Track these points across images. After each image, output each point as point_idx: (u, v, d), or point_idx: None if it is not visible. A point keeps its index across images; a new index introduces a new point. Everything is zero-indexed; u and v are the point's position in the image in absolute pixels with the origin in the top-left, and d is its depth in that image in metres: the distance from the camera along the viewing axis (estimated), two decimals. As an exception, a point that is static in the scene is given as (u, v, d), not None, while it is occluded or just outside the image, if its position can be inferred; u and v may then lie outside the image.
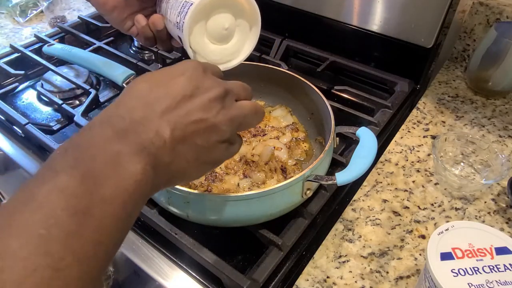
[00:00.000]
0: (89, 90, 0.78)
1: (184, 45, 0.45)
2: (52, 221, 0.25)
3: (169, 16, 0.46)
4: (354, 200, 0.59)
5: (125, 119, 0.31)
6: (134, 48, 0.98)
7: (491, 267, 0.39)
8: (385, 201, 0.59)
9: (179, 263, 0.52)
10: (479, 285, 0.38)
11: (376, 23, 0.81)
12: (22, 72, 0.84)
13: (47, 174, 0.27)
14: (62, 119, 0.76)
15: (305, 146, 0.66)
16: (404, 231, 0.55)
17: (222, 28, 0.45)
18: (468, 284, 0.38)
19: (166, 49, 0.53)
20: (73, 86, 0.81)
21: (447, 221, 0.56)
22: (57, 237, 0.24)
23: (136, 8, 0.51)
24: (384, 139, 0.71)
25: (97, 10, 0.52)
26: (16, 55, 0.89)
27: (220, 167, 0.60)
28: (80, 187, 0.27)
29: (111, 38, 0.95)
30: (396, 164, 0.65)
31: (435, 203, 0.59)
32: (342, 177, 0.49)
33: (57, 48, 0.84)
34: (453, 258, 0.40)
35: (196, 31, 0.44)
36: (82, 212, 0.26)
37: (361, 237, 0.54)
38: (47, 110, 0.79)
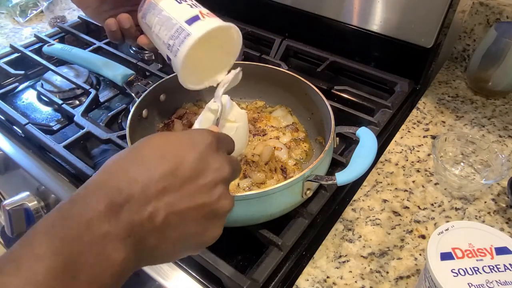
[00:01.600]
0: (89, 90, 0.78)
1: (175, 70, 0.47)
2: None
3: (157, 32, 0.47)
4: (354, 200, 0.59)
5: (122, 192, 0.29)
6: (134, 48, 0.98)
7: (491, 267, 0.39)
8: (385, 201, 0.59)
9: (179, 263, 0.52)
10: (479, 285, 0.38)
11: (376, 23, 0.81)
12: (22, 72, 0.84)
13: (26, 258, 0.25)
14: (62, 119, 0.76)
15: (305, 146, 0.66)
16: (404, 231, 0.55)
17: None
18: (468, 284, 0.38)
19: (132, 45, 0.54)
20: (73, 86, 0.81)
21: (447, 221, 0.56)
22: None
23: (111, 6, 0.51)
24: (384, 139, 0.71)
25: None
26: (16, 55, 0.90)
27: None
28: (57, 281, 0.25)
29: (111, 38, 0.95)
30: (396, 164, 0.65)
31: (435, 203, 0.59)
32: (342, 177, 0.49)
33: (57, 48, 0.84)
34: (453, 258, 0.40)
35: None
36: None
37: (361, 237, 0.54)
38: (47, 110, 0.79)
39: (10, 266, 0.25)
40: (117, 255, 0.28)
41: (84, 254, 0.26)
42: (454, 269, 0.39)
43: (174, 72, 0.53)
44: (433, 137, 0.70)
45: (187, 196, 0.31)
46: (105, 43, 0.91)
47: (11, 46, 0.90)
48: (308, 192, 0.52)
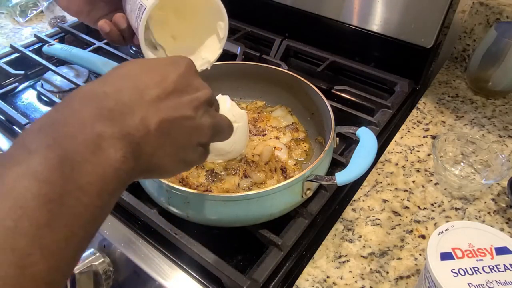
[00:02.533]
0: (89, 90, 0.78)
1: (142, 48, 0.46)
2: (21, 211, 0.22)
3: (132, 20, 0.46)
4: (354, 200, 0.59)
5: (111, 98, 0.29)
6: (134, 48, 0.98)
7: (491, 267, 0.39)
8: (385, 201, 0.59)
9: (179, 263, 0.52)
10: (479, 285, 0.38)
11: (376, 23, 0.81)
12: (22, 72, 0.84)
13: (20, 154, 0.25)
14: (62, 119, 0.76)
15: (305, 146, 0.66)
16: (404, 231, 0.55)
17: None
18: (468, 284, 0.38)
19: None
20: (73, 86, 0.81)
21: (447, 221, 0.56)
22: (25, 230, 0.22)
23: (105, 11, 0.49)
24: (384, 139, 0.71)
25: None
26: (16, 55, 0.89)
27: (220, 168, 0.60)
28: (56, 172, 0.24)
29: (111, 38, 0.95)
30: (396, 164, 0.65)
31: (435, 203, 0.59)
32: (342, 177, 0.49)
33: (57, 48, 0.84)
34: (453, 258, 0.40)
35: (159, 30, 0.44)
36: (55, 201, 0.24)
37: (361, 237, 0.54)
38: (47, 110, 0.79)
39: (5, 160, 0.25)
40: (115, 152, 0.27)
41: (79, 152, 0.26)
42: (454, 269, 0.39)
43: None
44: (433, 137, 0.70)
45: (174, 106, 0.32)
46: (105, 43, 0.91)
47: (11, 46, 0.90)
48: (308, 192, 0.52)
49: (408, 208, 0.58)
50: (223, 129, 0.38)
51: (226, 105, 0.58)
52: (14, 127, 0.73)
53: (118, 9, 0.49)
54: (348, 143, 0.68)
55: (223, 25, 0.49)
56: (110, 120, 0.28)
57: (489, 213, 0.58)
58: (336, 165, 0.61)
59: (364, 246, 0.53)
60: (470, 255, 0.40)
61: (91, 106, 0.28)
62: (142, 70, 0.32)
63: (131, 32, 0.49)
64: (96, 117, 0.27)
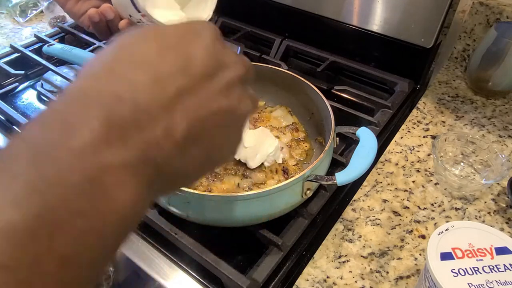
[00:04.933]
0: (89, 90, 0.78)
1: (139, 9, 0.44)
2: None
3: (121, 9, 0.45)
4: (354, 200, 0.59)
5: (123, 100, 0.20)
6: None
7: (491, 267, 0.39)
8: (385, 201, 0.59)
9: (179, 263, 0.52)
10: (479, 285, 0.38)
11: (376, 23, 0.81)
12: (22, 72, 0.84)
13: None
14: (62, 119, 0.76)
15: (305, 146, 0.66)
16: (404, 231, 0.55)
17: None
18: (468, 284, 0.38)
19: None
20: (73, 86, 0.81)
21: (447, 221, 0.56)
22: None
23: (91, 4, 0.48)
24: (384, 139, 0.71)
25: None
26: (16, 55, 0.89)
27: (220, 168, 0.60)
28: (33, 234, 0.17)
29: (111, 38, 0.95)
30: (396, 164, 0.65)
31: (435, 203, 0.59)
32: (342, 177, 0.49)
33: (57, 48, 0.84)
34: (453, 258, 0.40)
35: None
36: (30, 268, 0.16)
37: (361, 237, 0.54)
38: (47, 110, 0.79)
39: None
40: (124, 194, 0.19)
41: (70, 201, 0.18)
42: (454, 269, 0.39)
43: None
44: (433, 137, 0.70)
45: (205, 99, 0.24)
46: (105, 43, 0.91)
47: (11, 46, 0.90)
48: (308, 192, 0.52)
49: (408, 208, 0.58)
50: (255, 105, 0.30)
51: None
52: (14, 127, 0.73)
53: (104, 2, 0.48)
54: (348, 143, 0.68)
55: None
56: (122, 140, 0.20)
57: (489, 213, 0.58)
58: (336, 165, 0.61)
59: (364, 246, 0.53)
60: (470, 255, 0.40)
61: (97, 116, 0.19)
62: (160, 51, 0.23)
63: (117, 25, 0.47)
64: (103, 137, 0.19)
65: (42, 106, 0.80)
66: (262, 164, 0.59)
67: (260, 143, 0.58)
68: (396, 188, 0.61)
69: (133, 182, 0.20)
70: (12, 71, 0.83)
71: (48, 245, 0.17)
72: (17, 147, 0.19)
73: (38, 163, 0.18)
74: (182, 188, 0.47)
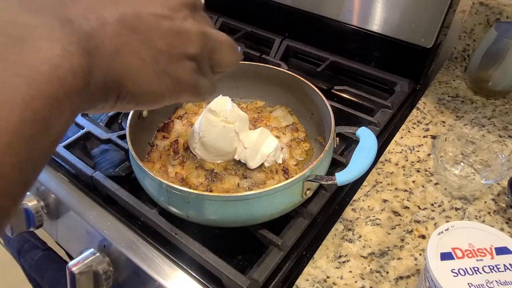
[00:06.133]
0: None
1: None
2: None
3: None
4: (354, 200, 0.59)
5: None
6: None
7: (491, 267, 0.39)
8: (385, 201, 0.59)
9: (179, 263, 0.52)
10: (479, 285, 0.38)
11: (376, 23, 0.81)
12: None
13: None
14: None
15: (305, 146, 0.66)
16: (404, 231, 0.55)
17: None
18: (468, 284, 0.38)
19: None
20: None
21: (447, 221, 0.56)
22: None
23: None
24: (384, 139, 0.71)
25: None
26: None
27: (220, 168, 0.60)
28: None
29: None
30: (396, 164, 0.65)
31: (435, 203, 0.59)
32: (342, 177, 0.49)
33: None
34: (453, 258, 0.40)
35: None
36: None
37: (361, 237, 0.54)
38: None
39: None
40: (49, 45, 0.19)
41: None
42: (454, 269, 0.39)
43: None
44: (433, 137, 0.70)
45: (142, 3, 0.25)
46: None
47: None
48: (308, 192, 0.52)
49: (408, 208, 0.58)
50: (221, 45, 0.31)
51: (227, 106, 0.58)
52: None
53: None
54: (348, 143, 0.68)
55: None
56: (40, 10, 0.20)
57: (489, 213, 0.58)
58: (336, 165, 0.61)
59: (364, 246, 0.53)
60: (470, 255, 0.40)
61: None
62: None
63: None
64: (18, 5, 0.20)
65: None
66: (262, 164, 0.59)
67: (260, 143, 0.58)
68: (396, 188, 0.61)
69: (57, 38, 0.20)
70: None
71: None
72: None
73: None
74: (182, 188, 0.47)
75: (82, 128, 0.69)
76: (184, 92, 0.29)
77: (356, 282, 0.49)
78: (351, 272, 0.50)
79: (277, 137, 0.66)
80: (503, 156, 0.60)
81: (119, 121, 0.75)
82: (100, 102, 0.24)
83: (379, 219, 0.57)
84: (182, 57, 0.27)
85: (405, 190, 0.61)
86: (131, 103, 0.27)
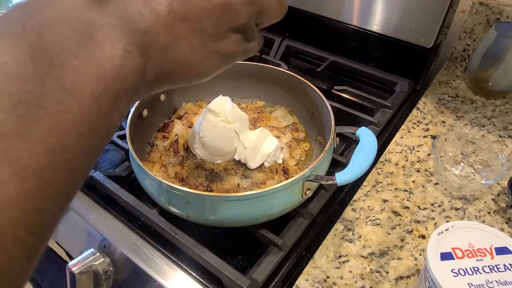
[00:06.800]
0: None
1: None
2: None
3: None
4: (354, 200, 0.59)
5: None
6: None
7: (491, 267, 0.39)
8: (385, 201, 0.59)
9: (179, 263, 0.52)
10: (479, 285, 0.38)
11: (376, 23, 0.81)
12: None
13: None
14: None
15: (305, 146, 0.66)
16: (404, 231, 0.55)
17: None
18: (468, 284, 0.38)
19: None
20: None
21: (447, 221, 0.56)
22: None
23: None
24: (384, 139, 0.71)
25: None
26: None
27: (220, 168, 0.60)
28: (27, 66, 0.18)
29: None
30: (396, 164, 0.65)
31: (435, 203, 0.59)
32: (342, 177, 0.49)
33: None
34: (453, 258, 0.40)
35: None
36: (27, 102, 0.17)
37: (361, 237, 0.54)
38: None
39: None
40: (113, 44, 0.21)
41: (60, 43, 0.19)
42: (454, 269, 0.39)
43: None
44: (433, 137, 0.70)
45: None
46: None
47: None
48: (308, 192, 0.52)
49: (408, 208, 0.58)
50: (268, 4, 0.29)
51: (227, 106, 0.58)
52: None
53: None
54: (348, 143, 0.68)
55: None
56: (101, 6, 0.22)
57: (489, 213, 0.58)
58: (336, 165, 0.61)
59: (364, 246, 0.53)
60: (470, 255, 0.40)
61: None
62: None
63: None
64: (84, 2, 0.21)
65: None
66: (262, 164, 0.59)
67: (260, 144, 0.58)
68: (396, 188, 0.61)
69: (119, 39, 0.21)
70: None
71: (48, 71, 0.18)
72: (8, 11, 0.20)
73: (26, 16, 0.20)
74: (182, 188, 0.47)
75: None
76: (232, 61, 0.30)
77: (356, 282, 0.49)
78: (351, 272, 0.50)
79: (277, 137, 0.66)
80: (503, 156, 0.60)
81: (119, 121, 0.75)
82: (149, 91, 0.26)
83: (379, 219, 0.57)
84: (229, 32, 0.28)
85: (405, 190, 0.61)
86: (178, 84, 0.28)
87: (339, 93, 0.79)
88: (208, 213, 0.49)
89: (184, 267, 0.51)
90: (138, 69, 0.22)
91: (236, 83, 0.73)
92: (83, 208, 0.59)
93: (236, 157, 0.59)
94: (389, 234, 0.55)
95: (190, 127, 0.66)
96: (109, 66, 0.20)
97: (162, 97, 0.68)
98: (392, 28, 0.80)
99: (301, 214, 0.54)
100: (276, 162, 0.60)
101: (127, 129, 0.55)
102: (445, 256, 0.40)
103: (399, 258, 0.52)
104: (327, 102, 0.60)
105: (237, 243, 0.55)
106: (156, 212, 0.54)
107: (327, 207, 0.58)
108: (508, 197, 0.58)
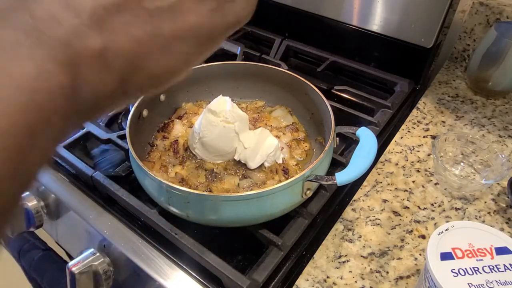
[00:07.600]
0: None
1: None
2: None
3: None
4: (354, 200, 0.59)
5: None
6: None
7: (491, 267, 0.39)
8: (385, 201, 0.59)
9: (179, 263, 0.52)
10: (479, 285, 0.38)
11: (376, 23, 0.81)
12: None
13: None
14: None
15: (305, 146, 0.66)
16: (404, 231, 0.55)
17: None
18: (468, 284, 0.38)
19: None
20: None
21: (447, 221, 0.56)
22: None
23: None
24: (384, 139, 0.71)
25: None
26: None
27: (220, 168, 0.60)
28: None
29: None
30: (396, 164, 0.65)
31: (435, 203, 0.59)
32: (342, 177, 0.49)
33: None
34: (453, 258, 0.40)
35: None
36: None
37: (361, 237, 0.54)
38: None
39: None
40: (21, 70, 0.16)
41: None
42: (454, 269, 0.39)
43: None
44: (433, 137, 0.70)
45: None
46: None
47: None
48: (308, 192, 0.52)
49: (408, 208, 0.58)
50: None
51: (227, 106, 0.58)
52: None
53: None
54: (348, 143, 0.68)
55: None
56: (5, 19, 0.17)
57: (489, 213, 0.58)
58: (336, 165, 0.61)
59: (364, 246, 0.53)
60: (470, 255, 0.40)
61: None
62: None
63: None
64: None
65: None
66: (262, 164, 0.59)
67: (260, 144, 0.58)
68: (396, 188, 0.61)
69: (30, 58, 0.17)
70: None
71: None
72: None
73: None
74: (182, 188, 0.47)
75: (82, 128, 0.69)
76: (213, 42, 0.22)
77: (356, 282, 0.49)
78: (351, 272, 0.50)
79: (277, 137, 0.66)
80: (503, 156, 0.60)
81: (119, 121, 0.75)
82: (114, 104, 0.20)
83: (379, 219, 0.57)
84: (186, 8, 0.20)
85: (405, 190, 0.61)
86: (147, 92, 0.22)
87: (339, 93, 0.79)
88: (208, 213, 0.49)
89: (184, 267, 0.51)
90: (61, 89, 0.17)
91: (236, 83, 0.73)
92: (83, 208, 0.59)
93: (236, 157, 0.59)
94: (389, 234, 0.55)
95: (190, 127, 0.66)
96: (17, 95, 0.16)
97: (162, 97, 0.68)
98: (392, 28, 0.80)
99: (301, 214, 0.54)
100: (276, 162, 0.60)
101: (127, 129, 0.55)
102: (445, 256, 0.40)
103: (399, 258, 0.52)
104: (327, 102, 0.60)
105: (237, 243, 0.55)
106: (156, 212, 0.54)
107: (327, 207, 0.58)
108: (508, 197, 0.58)
